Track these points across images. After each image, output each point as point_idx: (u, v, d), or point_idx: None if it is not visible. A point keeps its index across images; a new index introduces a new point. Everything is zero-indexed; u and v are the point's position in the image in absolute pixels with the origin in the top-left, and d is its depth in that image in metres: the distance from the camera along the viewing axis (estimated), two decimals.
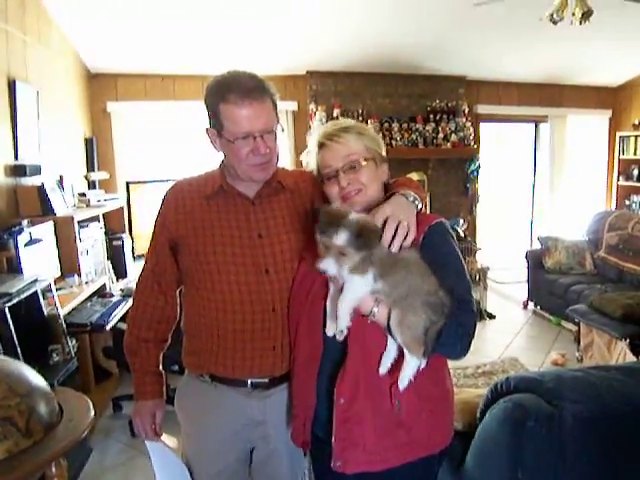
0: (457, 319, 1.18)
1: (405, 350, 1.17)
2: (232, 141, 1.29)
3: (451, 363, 1.36)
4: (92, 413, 1.47)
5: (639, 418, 1.58)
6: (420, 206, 1.29)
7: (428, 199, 5.56)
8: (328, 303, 1.23)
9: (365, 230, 1.14)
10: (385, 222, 1.18)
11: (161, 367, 1.54)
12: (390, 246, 1.17)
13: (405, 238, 1.18)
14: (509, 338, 4.54)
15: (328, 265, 1.16)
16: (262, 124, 1.28)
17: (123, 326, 3.16)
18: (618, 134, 6.40)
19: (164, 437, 1.55)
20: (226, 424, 1.43)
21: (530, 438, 1.52)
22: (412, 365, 1.18)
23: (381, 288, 1.16)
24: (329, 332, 1.22)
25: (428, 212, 1.60)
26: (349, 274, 1.15)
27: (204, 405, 1.45)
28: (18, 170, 3.16)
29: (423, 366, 1.19)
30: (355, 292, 1.16)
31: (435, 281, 1.17)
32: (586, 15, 3.19)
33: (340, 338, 1.18)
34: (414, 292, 1.15)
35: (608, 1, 3.26)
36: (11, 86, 3.12)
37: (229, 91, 1.25)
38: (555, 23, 3.27)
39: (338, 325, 1.17)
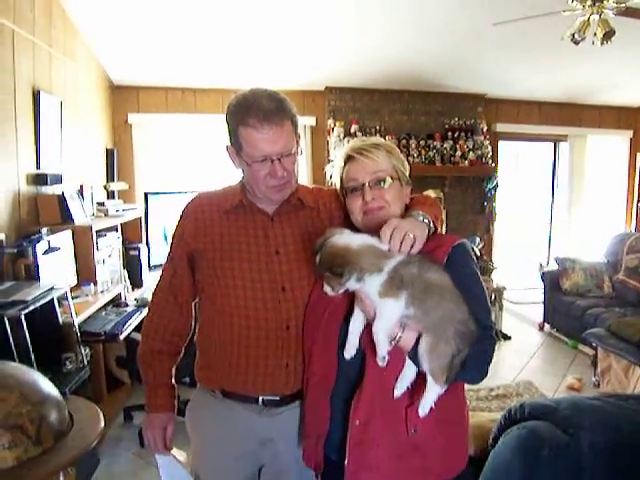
0: (480, 346, 1.16)
1: (429, 377, 1.15)
2: (249, 164, 1.30)
3: (464, 385, 1.34)
4: (102, 423, 1.47)
5: None
6: (431, 224, 1.25)
7: (444, 217, 5.53)
8: (351, 325, 1.20)
9: (325, 254, 1.14)
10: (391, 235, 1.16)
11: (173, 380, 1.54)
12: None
13: (411, 249, 1.15)
14: (524, 360, 4.46)
15: (325, 287, 1.16)
16: (280, 147, 1.28)
17: (137, 336, 3.18)
18: (639, 155, 6.31)
19: (174, 451, 1.54)
20: (236, 441, 1.42)
21: (544, 468, 1.47)
22: (434, 392, 1.15)
23: (413, 313, 1.13)
24: (347, 355, 1.20)
25: (444, 229, 1.58)
26: (381, 299, 1.12)
27: (214, 421, 1.44)
28: (39, 179, 3.22)
29: (442, 392, 1.17)
30: (390, 317, 1.13)
31: (467, 309, 1.14)
32: (608, 35, 3.18)
33: (383, 364, 1.15)
34: (447, 320, 1.12)
35: (630, 20, 3.24)
36: (35, 96, 3.20)
37: (249, 114, 1.25)
38: (577, 43, 3.26)
39: (378, 353, 1.14)
